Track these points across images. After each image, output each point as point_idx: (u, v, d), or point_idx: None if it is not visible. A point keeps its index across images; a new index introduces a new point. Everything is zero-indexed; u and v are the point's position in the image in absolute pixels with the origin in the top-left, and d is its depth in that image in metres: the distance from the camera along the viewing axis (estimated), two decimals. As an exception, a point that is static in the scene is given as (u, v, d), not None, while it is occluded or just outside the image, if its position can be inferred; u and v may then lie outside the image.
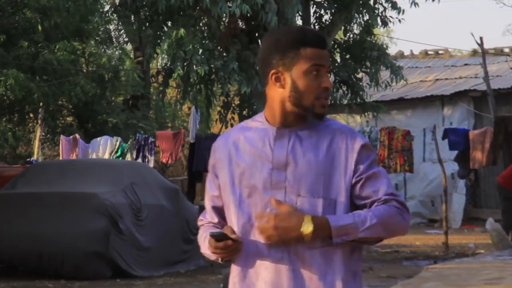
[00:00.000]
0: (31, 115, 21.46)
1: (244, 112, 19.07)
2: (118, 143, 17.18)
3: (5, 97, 19.93)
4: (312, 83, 2.80)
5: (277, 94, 2.83)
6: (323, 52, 2.83)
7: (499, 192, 15.18)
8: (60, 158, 17.19)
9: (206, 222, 3.02)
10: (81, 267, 11.71)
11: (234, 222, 2.87)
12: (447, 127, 18.21)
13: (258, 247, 2.82)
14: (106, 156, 16.93)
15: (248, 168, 2.84)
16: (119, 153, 17.09)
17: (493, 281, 10.34)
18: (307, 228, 2.72)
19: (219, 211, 2.98)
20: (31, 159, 17.39)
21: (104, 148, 17.07)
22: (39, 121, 17.73)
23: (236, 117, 19.52)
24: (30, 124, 22.05)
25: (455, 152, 17.20)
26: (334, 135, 2.83)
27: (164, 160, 17.40)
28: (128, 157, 16.99)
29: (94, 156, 16.91)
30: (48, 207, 11.99)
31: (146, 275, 12.08)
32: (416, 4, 18.78)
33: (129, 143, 17.21)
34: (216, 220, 2.99)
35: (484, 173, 20.14)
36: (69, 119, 22.88)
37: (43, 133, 18.68)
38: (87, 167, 13.26)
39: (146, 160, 16.88)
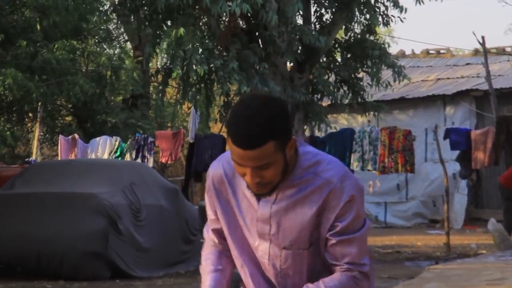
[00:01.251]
0: (30, 114, 21.40)
1: (244, 112, 18.96)
2: (117, 143, 17.14)
3: (4, 97, 19.88)
4: (237, 170, 2.69)
5: None
6: (246, 153, 2.59)
7: (500, 192, 15.16)
8: (59, 158, 17.16)
9: (210, 243, 3.01)
10: (80, 267, 11.68)
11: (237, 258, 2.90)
12: (448, 127, 18.15)
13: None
14: (105, 156, 16.90)
15: (240, 212, 2.80)
16: (118, 153, 17.05)
17: (495, 281, 10.29)
18: None
19: (219, 233, 2.96)
20: (30, 159, 17.35)
21: (103, 148, 17.04)
22: (38, 121, 17.67)
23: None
24: (29, 124, 22.00)
25: (457, 152, 17.14)
26: (322, 186, 2.70)
27: (163, 160, 17.35)
28: (127, 157, 16.96)
29: (93, 156, 16.89)
30: (46, 207, 11.97)
31: (145, 275, 12.05)
32: (421, 1, 18.69)
33: (128, 143, 17.18)
34: (216, 241, 2.99)
35: (486, 173, 20.07)
36: (68, 118, 22.83)
37: (42, 133, 18.61)
38: (86, 167, 13.24)
39: (146, 160, 16.85)
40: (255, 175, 2.63)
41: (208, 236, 2.99)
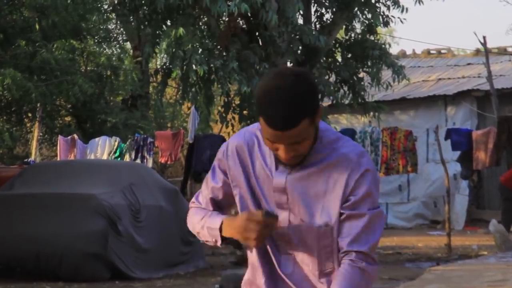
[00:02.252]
0: (29, 115, 21.34)
1: (245, 112, 18.95)
2: (116, 143, 17.10)
3: (2, 97, 19.82)
4: (270, 146, 2.72)
5: None
6: (283, 134, 2.62)
7: (500, 192, 15.17)
8: (58, 158, 17.11)
9: (200, 206, 2.97)
10: (79, 268, 11.64)
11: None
12: (449, 127, 18.10)
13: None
14: (105, 156, 16.86)
15: (256, 182, 2.80)
16: (117, 153, 17.01)
17: (496, 283, 10.27)
18: None
19: (216, 203, 2.93)
20: (29, 160, 17.31)
21: (103, 148, 16.99)
22: (37, 121, 17.61)
23: (236, 117, 19.40)
24: (28, 124, 21.95)
25: (458, 153, 17.09)
26: (338, 162, 2.73)
27: (163, 161, 17.31)
28: (127, 157, 16.93)
29: (92, 157, 16.85)
30: (45, 208, 11.94)
31: (145, 277, 12.01)
32: (421, 1, 18.65)
33: (127, 143, 17.14)
34: (211, 209, 2.94)
35: (487, 173, 20.02)
36: (67, 119, 22.77)
37: (41, 133, 18.56)
38: (85, 168, 13.21)
39: (145, 160, 16.81)
40: (290, 150, 2.66)
41: (199, 204, 2.95)
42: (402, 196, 21.52)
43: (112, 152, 17.01)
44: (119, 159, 16.78)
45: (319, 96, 2.73)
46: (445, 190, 15.82)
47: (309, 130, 2.65)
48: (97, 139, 17.28)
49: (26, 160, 17.84)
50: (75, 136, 17.43)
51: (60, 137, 17.38)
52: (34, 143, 17.68)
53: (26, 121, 21.89)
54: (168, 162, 17.57)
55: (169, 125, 25.84)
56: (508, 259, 12.75)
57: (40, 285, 11.42)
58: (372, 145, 16.52)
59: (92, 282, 11.45)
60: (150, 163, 16.78)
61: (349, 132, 16.94)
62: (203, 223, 2.88)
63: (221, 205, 2.93)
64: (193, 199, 2.99)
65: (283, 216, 2.74)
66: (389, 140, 16.35)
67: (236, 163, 2.82)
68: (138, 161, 16.65)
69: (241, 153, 2.82)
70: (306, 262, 2.78)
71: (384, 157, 16.22)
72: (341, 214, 2.71)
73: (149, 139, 17.06)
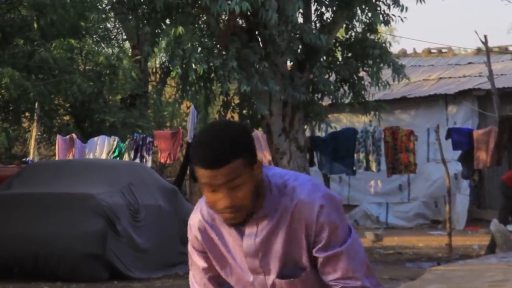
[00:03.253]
0: (27, 114, 21.28)
1: (244, 111, 18.88)
2: (115, 143, 17.06)
3: (0, 96, 19.75)
4: (209, 199, 2.62)
5: None
6: (215, 172, 2.55)
7: (502, 190, 15.18)
8: (56, 158, 17.07)
9: None
10: (78, 269, 11.61)
11: None
12: (450, 127, 18.04)
13: None
14: (103, 156, 16.83)
15: (229, 252, 2.76)
16: (116, 153, 16.97)
17: (498, 283, 10.22)
18: None
19: (216, 279, 2.87)
20: (27, 159, 17.26)
21: (101, 148, 16.95)
22: (35, 120, 17.55)
23: (235, 116, 19.33)
24: (26, 123, 21.89)
25: (459, 152, 17.04)
26: (294, 209, 2.65)
27: (162, 160, 17.26)
28: (126, 157, 16.89)
29: (91, 156, 16.81)
30: (44, 208, 11.90)
31: (144, 277, 11.96)
32: (422, 0, 18.56)
33: (126, 143, 17.09)
34: None
35: (488, 173, 19.97)
36: (66, 118, 22.72)
37: (39, 133, 18.48)
38: (84, 167, 13.17)
39: (144, 160, 16.77)
40: (227, 196, 2.57)
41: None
42: (402, 196, 21.46)
43: (111, 152, 16.98)
44: (118, 158, 16.74)
45: (255, 149, 2.63)
46: (446, 189, 15.77)
47: (245, 175, 2.57)
48: (96, 138, 17.24)
49: (24, 159, 17.80)
50: (74, 135, 17.38)
51: (58, 137, 17.32)
52: (32, 143, 17.62)
53: (24, 120, 21.83)
54: (167, 162, 17.52)
55: (168, 124, 25.79)
56: (509, 259, 12.68)
57: (39, 285, 11.39)
58: (374, 144, 16.47)
59: (90, 282, 11.41)
60: (149, 163, 16.73)
61: (351, 131, 16.87)
62: None
63: (220, 279, 2.87)
64: (194, 284, 2.90)
65: (259, 280, 2.72)
66: (391, 139, 16.30)
67: (205, 243, 2.78)
68: (137, 160, 16.62)
69: (204, 232, 2.78)
70: None
71: (390, 157, 16.16)
72: (316, 257, 2.67)
73: (148, 139, 17.01)
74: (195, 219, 2.80)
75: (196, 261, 2.84)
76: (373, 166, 16.37)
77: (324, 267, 2.66)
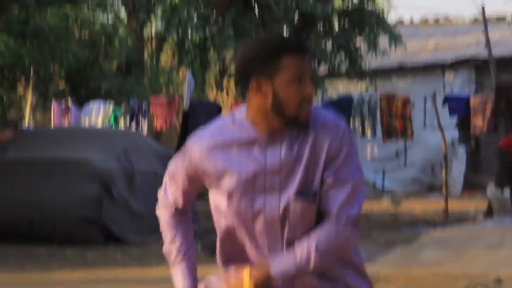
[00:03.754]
0: (22, 80, 21.17)
1: (240, 79, 18.78)
2: (111, 109, 16.98)
3: (-5, 63, 19.62)
4: (294, 93, 2.68)
5: (259, 103, 2.72)
6: (305, 59, 2.70)
7: (498, 156, 15.22)
8: (52, 124, 17.00)
9: (170, 206, 2.95)
10: (73, 233, 11.64)
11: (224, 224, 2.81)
12: (447, 94, 18.00)
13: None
14: (99, 122, 16.75)
15: (238, 173, 2.73)
16: (112, 119, 16.89)
17: (493, 246, 10.24)
18: (247, 282, 2.70)
19: (188, 195, 2.92)
20: (23, 126, 17.17)
21: (97, 114, 16.88)
22: (30, 87, 17.45)
23: (231, 83, 19.29)
24: (21, 90, 21.78)
25: (456, 119, 16.99)
26: (318, 132, 2.73)
27: (158, 127, 17.19)
28: (121, 123, 16.82)
29: (86, 122, 16.74)
30: (39, 173, 11.90)
31: (139, 241, 11.96)
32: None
33: (122, 109, 17.01)
34: (180, 203, 2.94)
35: (485, 139, 19.96)
36: (61, 85, 22.60)
37: (35, 99, 18.37)
38: (80, 134, 13.18)
39: (140, 127, 16.70)
40: (311, 88, 2.71)
41: (168, 200, 2.94)
42: (399, 162, 21.45)
43: (107, 118, 16.90)
44: (113, 125, 16.69)
45: None
46: (443, 155, 15.76)
47: None
48: (91, 105, 17.15)
49: (19, 125, 17.72)
50: (69, 102, 17.31)
51: (54, 103, 17.24)
52: (27, 109, 17.53)
53: (19, 86, 21.73)
54: (163, 129, 17.46)
55: (164, 91, 25.69)
56: (505, 223, 12.71)
57: (34, 249, 11.40)
58: (369, 111, 16.44)
59: (86, 246, 11.43)
60: (145, 129, 16.66)
61: (347, 99, 16.82)
62: (172, 258, 2.93)
63: (191, 195, 2.93)
64: (162, 192, 2.95)
65: (272, 200, 2.71)
66: (386, 106, 16.27)
67: (211, 163, 2.76)
68: (133, 127, 16.56)
69: (201, 154, 2.78)
70: (296, 240, 2.73)
71: (385, 123, 16.15)
72: (323, 181, 2.70)
73: (144, 105, 16.94)
74: (197, 143, 2.79)
75: (178, 180, 2.87)
76: (369, 133, 16.35)
77: (328, 190, 2.69)
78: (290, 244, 2.70)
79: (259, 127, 2.72)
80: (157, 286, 8.59)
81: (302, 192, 2.68)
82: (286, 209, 2.69)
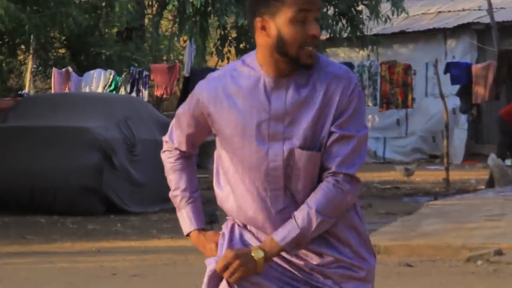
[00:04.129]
0: (22, 47, 21.06)
1: (241, 46, 18.72)
2: (111, 76, 16.94)
3: (-5, 28, 19.49)
4: (296, 32, 2.64)
5: (265, 42, 2.69)
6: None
7: (498, 125, 15.19)
8: (52, 91, 16.96)
9: (174, 149, 2.95)
10: (74, 202, 11.63)
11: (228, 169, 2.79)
12: (449, 61, 17.92)
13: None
14: (99, 89, 16.73)
15: (242, 118, 2.70)
16: (112, 86, 16.87)
17: (494, 217, 10.26)
18: (258, 254, 2.66)
19: (192, 142, 2.92)
20: (23, 92, 17.14)
21: (97, 81, 16.84)
22: (31, 53, 17.37)
23: (232, 50, 19.18)
24: (21, 56, 21.66)
25: (457, 87, 16.95)
26: (330, 82, 2.69)
27: (158, 94, 17.15)
28: (122, 90, 16.80)
29: (87, 90, 16.70)
30: (40, 142, 11.86)
31: (140, 211, 11.97)
32: None
33: (123, 76, 16.97)
34: (184, 148, 2.94)
35: (487, 108, 19.91)
36: (62, 51, 22.51)
37: (35, 66, 18.29)
38: (80, 101, 13.10)
39: (140, 94, 16.67)
40: (317, 28, 2.66)
41: (172, 145, 2.95)
42: (400, 131, 21.42)
43: (107, 85, 16.86)
44: (114, 92, 16.65)
45: None
46: (444, 124, 15.72)
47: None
48: (92, 72, 17.12)
49: (20, 92, 17.68)
50: (70, 68, 17.26)
51: (54, 70, 17.20)
52: (28, 76, 17.49)
53: (19, 53, 21.60)
54: (164, 96, 17.41)
55: (164, 58, 25.60)
56: (506, 194, 12.70)
57: (35, 218, 11.41)
58: (370, 79, 16.38)
59: (87, 216, 11.43)
60: (145, 97, 16.63)
61: (347, 66, 16.75)
62: (177, 202, 2.92)
63: (196, 142, 2.93)
64: (167, 137, 2.96)
65: (276, 148, 2.67)
66: (387, 74, 16.20)
67: (217, 107, 2.74)
68: (133, 94, 16.52)
69: (209, 93, 2.75)
70: (298, 191, 2.71)
71: (384, 91, 16.08)
72: (330, 133, 2.68)
73: (145, 72, 16.89)
74: (205, 85, 2.77)
75: (183, 125, 2.86)
76: (369, 101, 16.29)
77: (333, 144, 2.67)
78: (292, 195, 2.69)
79: (266, 69, 2.69)
80: (158, 256, 8.60)
81: (308, 142, 2.67)
82: (289, 157, 2.67)
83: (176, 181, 2.95)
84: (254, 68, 2.71)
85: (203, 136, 2.90)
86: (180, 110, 2.87)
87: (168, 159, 2.98)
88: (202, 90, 2.76)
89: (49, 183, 11.57)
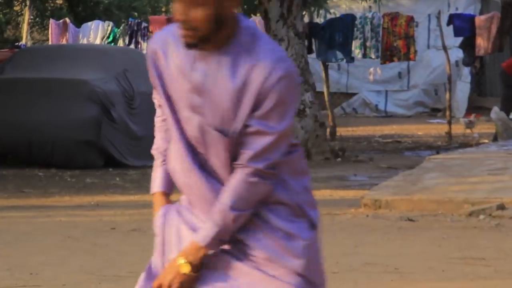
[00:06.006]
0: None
1: (245, 7, 18.51)
2: (109, 28, 16.80)
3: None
4: (175, 12, 2.56)
5: None
6: None
7: (501, 78, 15.14)
8: (50, 43, 16.83)
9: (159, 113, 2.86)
10: (72, 155, 11.59)
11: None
12: (452, 13, 17.73)
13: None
14: (98, 41, 16.62)
15: (173, 86, 2.63)
16: (111, 38, 16.74)
17: (497, 171, 10.22)
18: (184, 268, 2.63)
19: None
20: (20, 44, 17.00)
21: (95, 33, 16.70)
22: (27, 4, 17.19)
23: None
24: (18, 7, 21.44)
25: (460, 39, 16.81)
26: (256, 64, 2.56)
27: (158, 46, 17.00)
28: (120, 42, 16.68)
29: (85, 41, 16.58)
30: (37, 94, 11.80)
31: (139, 164, 11.90)
32: None
33: (121, 28, 16.82)
34: (167, 110, 2.78)
35: (490, 60, 19.79)
36: (59, 1, 22.29)
37: (32, 17, 18.10)
38: (78, 53, 13.00)
39: (139, 46, 16.55)
40: (184, 11, 2.51)
41: (159, 115, 2.89)
42: (402, 84, 21.29)
43: (105, 37, 16.73)
44: (112, 44, 16.52)
45: None
46: (447, 77, 15.62)
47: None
48: (90, 23, 16.98)
49: (17, 44, 17.53)
50: (67, 20, 17.10)
51: (51, 21, 17.04)
52: (25, 27, 17.32)
53: (16, 3, 21.38)
54: (163, 48, 17.27)
55: (163, 9, 25.42)
56: (509, 147, 12.62)
57: (32, 171, 11.37)
58: (372, 31, 16.24)
59: (85, 169, 11.38)
60: (144, 49, 16.49)
61: (349, 18, 16.57)
62: (154, 163, 2.89)
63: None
64: (155, 94, 2.84)
65: (195, 121, 2.60)
66: (390, 25, 16.04)
67: (153, 68, 2.67)
68: (132, 46, 16.41)
69: (156, 57, 2.67)
70: (217, 168, 2.65)
71: (387, 43, 15.93)
72: (247, 125, 2.57)
73: (143, 24, 16.73)
74: (151, 44, 2.71)
75: (156, 86, 2.73)
76: (372, 53, 16.16)
77: (248, 136, 2.58)
78: (213, 170, 2.63)
79: None
80: (157, 211, 8.52)
81: (222, 124, 2.57)
82: (203, 132, 2.60)
83: (156, 141, 2.92)
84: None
85: None
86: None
87: (157, 118, 2.92)
88: (148, 47, 2.72)
89: (47, 136, 11.51)
